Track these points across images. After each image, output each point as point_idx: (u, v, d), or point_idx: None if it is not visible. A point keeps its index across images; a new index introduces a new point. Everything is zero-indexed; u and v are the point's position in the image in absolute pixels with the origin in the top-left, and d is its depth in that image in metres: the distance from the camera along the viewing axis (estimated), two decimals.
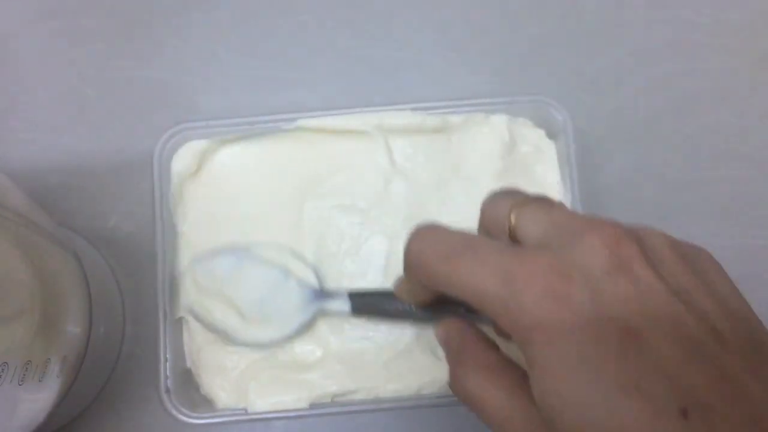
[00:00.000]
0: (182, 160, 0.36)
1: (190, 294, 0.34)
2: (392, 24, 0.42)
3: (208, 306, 0.34)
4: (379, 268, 0.36)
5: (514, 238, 0.23)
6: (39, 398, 0.28)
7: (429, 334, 0.35)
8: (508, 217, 0.23)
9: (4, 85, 0.41)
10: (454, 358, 0.25)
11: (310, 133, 0.37)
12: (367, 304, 0.33)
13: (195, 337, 0.35)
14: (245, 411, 0.34)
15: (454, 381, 0.24)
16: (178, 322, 0.35)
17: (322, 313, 0.34)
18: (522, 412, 0.22)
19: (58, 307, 0.29)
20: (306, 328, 0.35)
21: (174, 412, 0.33)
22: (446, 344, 0.26)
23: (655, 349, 0.18)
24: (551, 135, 0.37)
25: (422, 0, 0.42)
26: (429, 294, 0.28)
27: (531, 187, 0.36)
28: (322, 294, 0.34)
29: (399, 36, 0.42)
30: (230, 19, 0.42)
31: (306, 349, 0.35)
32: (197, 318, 0.34)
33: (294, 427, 0.37)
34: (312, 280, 0.34)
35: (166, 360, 0.34)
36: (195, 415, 0.33)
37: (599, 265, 0.20)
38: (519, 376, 0.23)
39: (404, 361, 0.35)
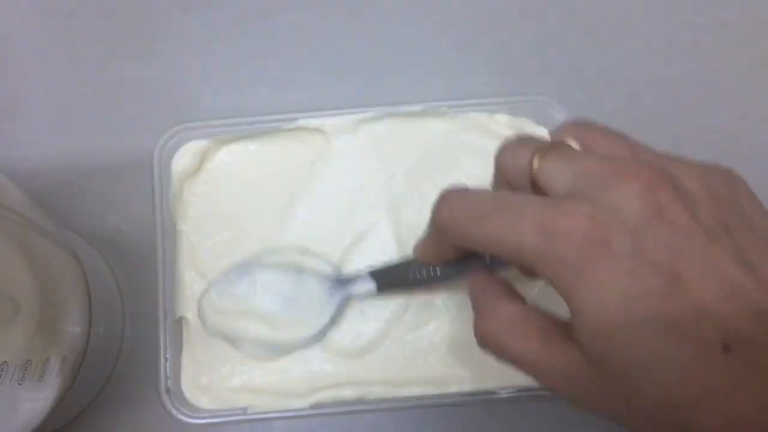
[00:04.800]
0: (182, 160, 0.36)
1: (215, 321, 0.34)
2: (392, 24, 0.42)
3: (235, 326, 0.34)
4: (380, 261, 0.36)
5: (536, 187, 0.23)
6: (39, 398, 0.28)
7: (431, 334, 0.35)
8: (529, 164, 0.23)
9: (4, 85, 0.41)
10: (478, 311, 0.26)
11: (310, 133, 0.37)
12: (391, 278, 0.33)
13: (194, 337, 0.35)
14: (245, 411, 0.34)
15: (482, 335, 0.25)
16: (178, 322, 0.35)
17: (348, 299, 0.34)
18: (561, 359, 0.22)
19: (57, 307, 0.29)
20: (337, 317, 0.34)
21: (174, 412, 0.33)
22: (471, 299, 0.27)
23: (695, 290, 0.19)
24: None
25: (422, 0, 0.42)
26: (456, 252, 0.28)
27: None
28: (343, 281, 0.34)
29: (399, 36, 0.42)
30: (230, 19, 0.42)
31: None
32: (229, 341, 0.34)
33: (294, 427, 0.37)
34: (327, 270, 0.34)
35: (166, 360, 0.34)
36: (195, 415, 0.33)
37: (636, 212, 0.20)
38: (549, 325, 0.23)
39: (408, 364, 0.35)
